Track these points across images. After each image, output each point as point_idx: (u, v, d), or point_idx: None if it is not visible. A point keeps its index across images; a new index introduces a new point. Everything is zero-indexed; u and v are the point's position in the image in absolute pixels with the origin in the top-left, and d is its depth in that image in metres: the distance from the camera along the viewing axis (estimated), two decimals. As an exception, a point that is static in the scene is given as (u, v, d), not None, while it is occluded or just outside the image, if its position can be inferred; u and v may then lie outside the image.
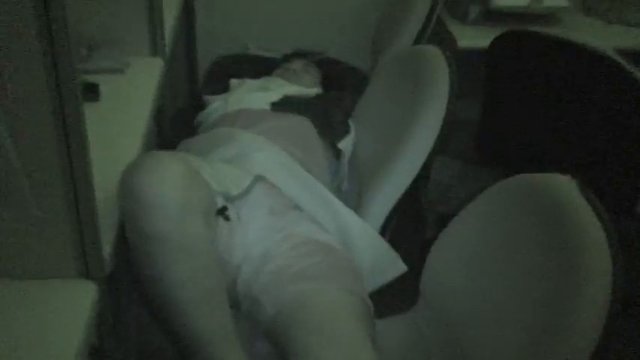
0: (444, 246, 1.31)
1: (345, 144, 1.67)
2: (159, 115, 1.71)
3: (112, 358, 1.06)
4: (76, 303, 0.94)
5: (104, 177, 1.09)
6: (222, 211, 1.21)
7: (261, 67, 2.12)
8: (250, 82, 1.88)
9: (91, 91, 1.43)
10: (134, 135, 1.32)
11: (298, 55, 2.14)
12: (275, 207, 1.33)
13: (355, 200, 1.60)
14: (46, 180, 0.88)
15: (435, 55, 1.50)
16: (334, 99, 1.86)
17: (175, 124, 1.88)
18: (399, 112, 1.55)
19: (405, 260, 1.41)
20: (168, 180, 1.02)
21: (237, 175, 1.30)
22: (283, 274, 1.23)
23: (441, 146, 1.48)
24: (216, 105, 1.72)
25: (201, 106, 1.81)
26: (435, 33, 1.98)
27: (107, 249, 1.02)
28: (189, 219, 1.04)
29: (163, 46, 1.63)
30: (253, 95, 1.71)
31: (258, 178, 1.33)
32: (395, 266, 1.40)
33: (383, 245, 1.41)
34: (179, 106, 2.06)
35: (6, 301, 0.94)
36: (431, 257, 1.33)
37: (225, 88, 1.90)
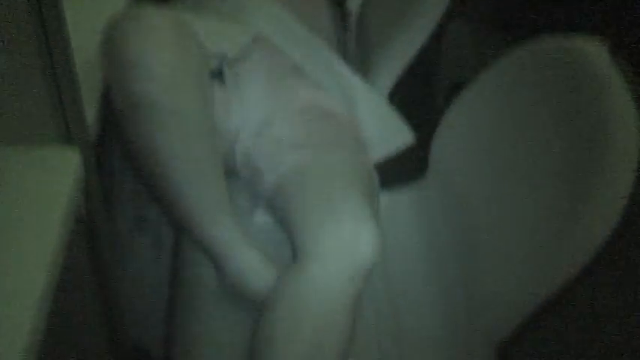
0: (456, 119, 1.23)
1: (353, 3, 1.55)
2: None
3: (101, 229, 1.01)
4: (58, 170, 0.87)
5: (86, 32, 1.00)
6: (217, 74, 1.12)
7: None
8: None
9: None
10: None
11: None
12: (275, 69, 1.24)
13: (362, 64, 1.50)
14: (15, 33, 0.78)
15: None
16: None
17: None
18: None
19: (413, 130, 1.34)
20: (156, 37, 0.92)
21: (234, 32, 1.20)
22: (284, 142, 1.16)
23: (456, 6, 1.37)
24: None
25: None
26: None
27: (91, 113, 0.94)
28: (180, 81, 0.95)
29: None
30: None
31: (257, 38, 1.23)
32: (402, 136, 1.32)
33: (390, 113, 1.33)
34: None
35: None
36: (441, 130, 1.26)
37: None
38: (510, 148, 1.10)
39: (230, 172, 1.24)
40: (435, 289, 1.18)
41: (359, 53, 1.56)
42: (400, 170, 1.35)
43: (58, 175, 0.87)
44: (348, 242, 0.99)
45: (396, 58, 1.36)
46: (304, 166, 1.10)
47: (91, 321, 1.15)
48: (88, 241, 1.00)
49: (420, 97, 1.57)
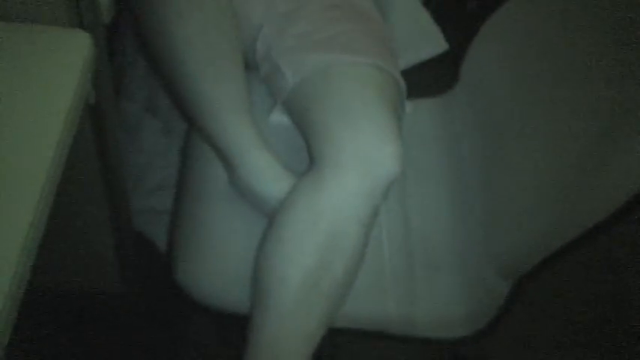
0: (497, 28, 1.15)
1: None
2: None
3: (110, 114, 0.97)
4: (67, 54, 0.82)
5: None
6: None
7: None
8: None
9: None
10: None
11: None
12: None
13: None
14: None
15: None
16: None
17: None
18: None
19: (447, 37, 1.26)
20: None
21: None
22: (309, 39, 1.09)
23: None
24: None
25: None
26: None
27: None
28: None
29: None
30: None
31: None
32: (435, 43, 1.25)
33: (425, 17, 1.25)
34: None
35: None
36: (479, 39, 1.19)
37: None
38: (553, 68, 1.03)
39: (249, 66, 1.18)
40: (452, 212, 1.14)
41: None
42: (428, 79, 1.28)
43: (67, 57, 0.82)
44: (368, 155, 0.94)
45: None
46: (328, 68, 1.04)
47: (96, 207, 1.13)
48: (95, 124, 0.96)
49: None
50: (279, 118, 1.13)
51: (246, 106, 1.02)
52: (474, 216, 1.10)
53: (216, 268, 1.02)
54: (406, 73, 1.21)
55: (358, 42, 1.09)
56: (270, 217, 0.99)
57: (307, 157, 1.04)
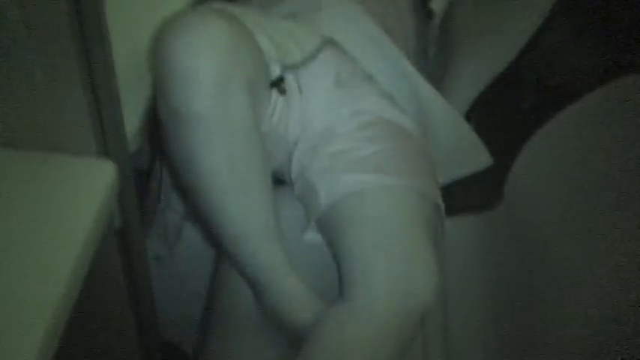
0: (545, 144, 1.12)
1: (439, 1, 1.43)
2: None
3: (136, 241, 0.95)
4: (92, 183, 0.82)
5: (137, 35, 0.94)
6: (277, 83, 1.03)
7: None
8: None
9: None
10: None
11: None
12: (343, 76, 1.14)
13: (442, 68, 1.39)
14: (51, 38, 0.72)
15: None
16: None
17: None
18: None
19: (492, 152, 1.22)
20: (207, 46, 0.84)
21: (301, 36, 1.11)
22: (344, 159, 1.07)
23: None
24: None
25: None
26: None
27: (134, 123, 0.87)
28: (230, 94, 0.87)
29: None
30: None
31: (327, 41, 1.14)
32: (478, 158, 1.21)
33: (467, 131, 1.22)
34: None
35: (13, 173, 0.82)
36: (526, 155, 1.15)
37: None
38: (604, 186, 0.99)
39: (286, 182, 1.17)
40: (493, 334, 1.08)
41: (439, 60, 1.44)
42: (471, 196, 1.24)
43: (91, 185, 0.82)
44: (401, 287, 0.91)
45: (481, 72, 1.25)
46: (362, 191, 1.02)
47: (121, 320, 1.12)
48: (122, 250, 0.95)
49: (503, 114, 1.44)
50: (312, 236, 1.10)
51: (274, 232, 1.00)
52: (514, 338, 1.04)
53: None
54: (448, 188, 1.18)
55: (394, 162, 1.06)
56: (299, 346, 0.95)
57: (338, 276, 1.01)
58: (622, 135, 1.00)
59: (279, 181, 1.20)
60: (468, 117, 1.26)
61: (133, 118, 0.87)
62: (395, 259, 0.93)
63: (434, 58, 1.46)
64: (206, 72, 0.84)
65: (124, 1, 1.04)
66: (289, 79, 1.09)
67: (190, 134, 0.88)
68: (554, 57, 2.27)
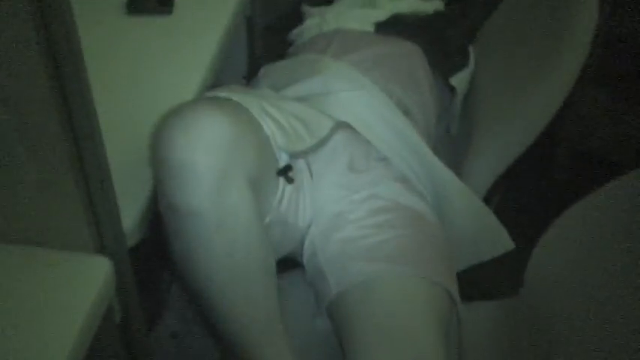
0: (567, 230, 1.07)
1: (460, 79, 1.41)
2: (250, 28, 1.52)
3: (140, 330, 0.94)
4: (86, 279, 0.81)
5: (138, 126, 0.94)
6: (284, 171, 1.02)
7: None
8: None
9: (163, 2, 1.26)
10: (196, 66, 1.14)
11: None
12: (357, 160, 1.13)
13: (465, 145, 1.36)
14: (42, 137, 0.72)
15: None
16: (456, 17, 1.57)
17: (270, 39, 1.65)
18: (528, 50, 1.28)
19: (512, 238, 1.17)
20: (206, 142, 0.83)
21: (313, 120, 1.10)
22: (354, 246, 1.05)
23: (576, 95, 1.21)
24: (313, 21, 1.49)
25: (300, 17, 1.58)
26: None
27: (134, 217, 0.87)
28: (230, 190, 0.86)
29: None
30: (356, 12, 1.46)
31: (340, 125, 1.12)
32: (498, 242, 1.17)
33: (486, 215, 1.18)
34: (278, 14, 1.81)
35: (7, 268, 0.82)
36: (547, 240, 1.10)
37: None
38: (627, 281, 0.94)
39: (298, 265, 1.14)
40: None
41: (462, 137, 1.42)
42: (489, 282, 1.20)
43: (86, 281, 0.81)
44: None
45: (501, 154, 1.21)
46: (371, 281, 0.98)
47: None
48: (125, 344, 0.94)
49: (530, 192, 1.40)
50: (323, 323, 1.07)
51: (280, 328, 0.97)
52: None
53: None
54: (465, 273, 1.14)
55: (406, 250, 1.03)
56: None
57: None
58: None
59: (294, 262, 1.18)
60: (490, 197, 1.23)
61: (132, 213, 0.87)
62: (402, 354, 0.89)
63: (457, 135, 1.44)
64: (204, 168, 0.83)
65: (129, 92, 1.06)
66: (299, 163, 1.08)
67: (189, 230, 0.87)
68: (590, 124, 2.22)
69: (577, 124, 2.17)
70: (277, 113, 1.04)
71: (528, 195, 1.74)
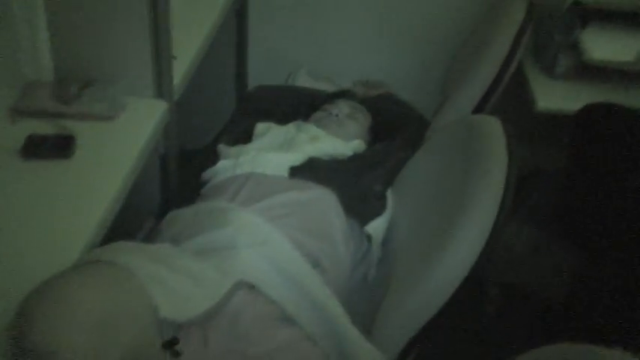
0: None
1: (377, 226, 1.39)
2: (164, 166, 1.48)
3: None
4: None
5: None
6: (170, 345, 0.95)
7: (304, 103, 1.84)
8: (276, 130, 1.61)
9: (63, 147, 1.20)
10: (90, 212, 1.08)
11: (347, 95, 1.84)
12: (255, 325, 1.07)
13: (383, 292, 1.32)
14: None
15: (493, 135, 1.21)
16: (377, 158, 1.57)
17: (187, 178, 1.60)
18: (446, 198, 1.27)
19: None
20: (74, 323, 0.77)
21: (212, 281, 1.04)
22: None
23: (488, 250, 1.18)
24: (226, 163, 1.46)
25: (215, 155, 1.55)
26: (514, 82, 1.68)
27: None
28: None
29: (170, 86, 1.39)
30: (271, 156, 1.44)
31: (242, 284, 1.07)
32: None
33: None
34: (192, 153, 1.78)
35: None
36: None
37: (249, 132, 1.65)
38: None
39: None
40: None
41: (383, 275, 1.37)
42: None
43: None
44: None
45: (414, 314, 1.16)
46: None
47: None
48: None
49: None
50: None
51: None
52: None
53: None
54: None
55: None
56: None
57: None
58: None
59: None
60: (410, 348, 1.17)
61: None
62: None
63: (374, 284, 1.40)
64: (72, 354, 0.76)
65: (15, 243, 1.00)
66: (192, 329, 1.01)
67: None
68: (518, 258, 2.23)
69: (505, 258, 2.16)
70: (170, 275, 0.98)
71: (459, 331, 1.69)
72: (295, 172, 1.42)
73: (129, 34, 1.31)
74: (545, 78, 1.88)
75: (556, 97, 1.81)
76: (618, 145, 1.54)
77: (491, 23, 1.84)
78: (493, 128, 1.24)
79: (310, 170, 1.42)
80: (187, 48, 1.55)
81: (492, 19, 1.87)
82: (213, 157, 1.55)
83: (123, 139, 1.27)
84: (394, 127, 1.77)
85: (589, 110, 1.56)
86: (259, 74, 2.26)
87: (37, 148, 1.19)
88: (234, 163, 1.44)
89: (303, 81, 2.15)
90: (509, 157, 1.16)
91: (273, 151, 1.47)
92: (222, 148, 1.55)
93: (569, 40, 1.83)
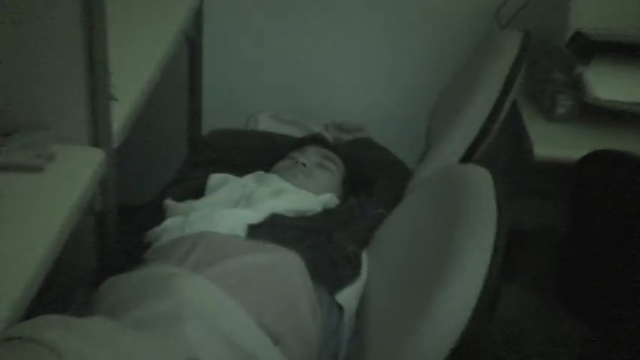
0: None
1: (350, 295, 1.40)
2: (101, 226, 1.49)
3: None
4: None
5: None
6: None
7: (267, 150, 1.88)
8: (233, 183, 1.63)
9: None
10: (12, 281, 1.08)
11: (317, 141, 1.87)
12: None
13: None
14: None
15: (481, 188, 1.25)
16: (351, 215, 1.60)
17: (128, 239, 1.61)
18: (429, 260, 1.29)
19: None
20: None
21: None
22: None
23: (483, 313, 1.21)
24: (174, 221, 1.48)
25: (161, 213, 1.56)
26: (507, 126, 1.73)
27: None
28: None
29: (108, 131, 1.40)
30: (226, 212, 1.46)
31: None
32: None
33: None
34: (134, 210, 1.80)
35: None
36: None
37: (202, 185, 1.67)
38: None
39: None
40: None
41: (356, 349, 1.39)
42: None
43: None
44: None
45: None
46: None
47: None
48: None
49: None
50: None
51: None
52: None
53: None
54: None
55: None
56: None
57: None
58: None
59: None
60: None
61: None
62: None
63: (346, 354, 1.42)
64: None
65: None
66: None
67: None
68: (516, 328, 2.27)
69: (502, 329, 2.19)
70: (104, 356, 0.99)
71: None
72: (255, 231, 1.43)
73: (59, 72, 1.31)
74: (543, 121, 1.91)
75: (556, 142, 1.83)
76: (628, 199, 1.58)
77: (482, 58, 1.90)
78: (481, 180, 1.28)
79: (272, 229, 1.44)
80: (130, 87, 1.55)
81: (484, 54, 1.93)
82: (158, 215, 1.57)
83: (51, 193, 1.26)
84: (371, 179, 1.81)
85: (594, 158, 1.60)
86: (215, 116, 2.30)
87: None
88: (183, 221, 1.45)
89: (266, 124, 2.18)
90: (499, 214, 1.19)
91: (229, 207, 1.48)
92: (169, 203, 1.56)
93: (571, 77, 1.88)
